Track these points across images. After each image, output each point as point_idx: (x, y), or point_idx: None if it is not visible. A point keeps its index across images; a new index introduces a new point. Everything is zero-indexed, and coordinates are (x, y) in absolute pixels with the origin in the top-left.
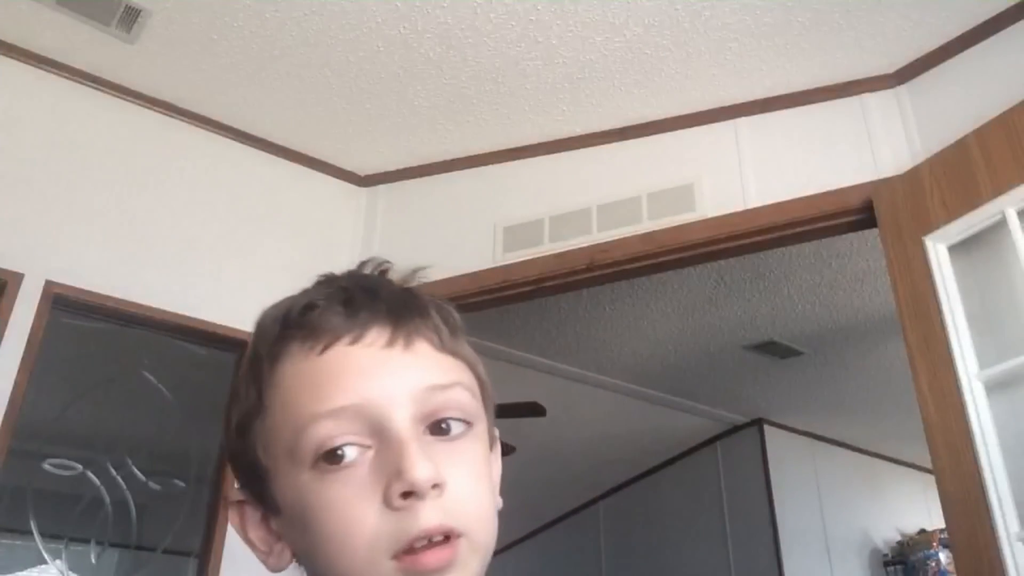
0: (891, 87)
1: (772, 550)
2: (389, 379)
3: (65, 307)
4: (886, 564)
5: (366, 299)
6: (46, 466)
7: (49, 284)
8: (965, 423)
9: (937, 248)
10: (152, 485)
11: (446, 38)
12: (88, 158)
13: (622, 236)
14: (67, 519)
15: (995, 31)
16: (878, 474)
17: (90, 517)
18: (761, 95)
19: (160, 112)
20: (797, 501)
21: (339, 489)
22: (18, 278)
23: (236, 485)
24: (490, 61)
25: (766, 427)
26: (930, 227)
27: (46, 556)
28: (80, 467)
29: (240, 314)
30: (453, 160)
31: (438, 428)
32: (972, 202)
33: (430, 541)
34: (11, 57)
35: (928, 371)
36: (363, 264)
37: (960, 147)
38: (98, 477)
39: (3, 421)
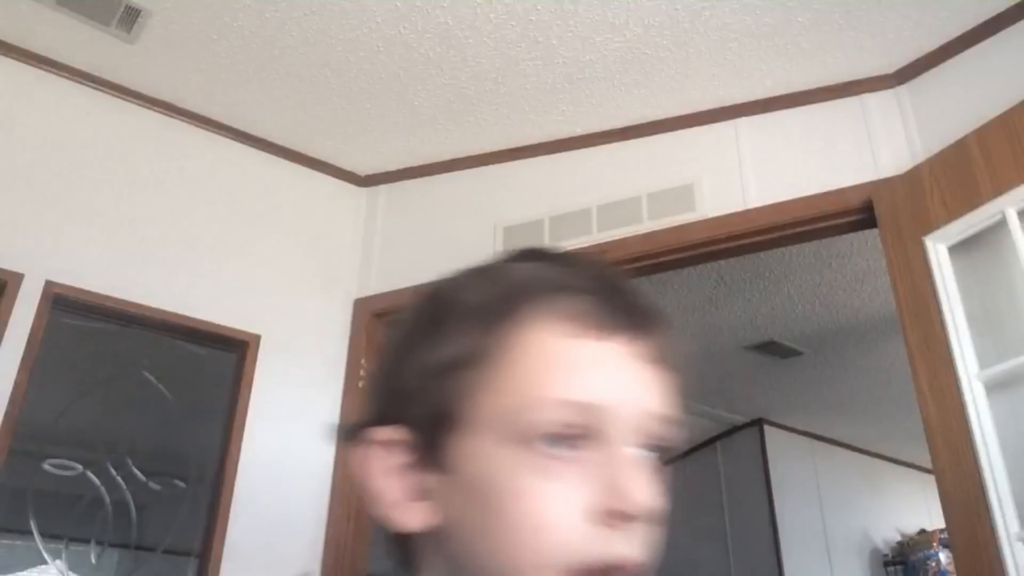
0: (891, 87)
1: (772, 550)
2: (634, 393)
3: (65, 307)
4: (886, 564)
5: (631, 300)
6: (46, 466)
7: (49, 284)
8: (965, 423)
9: (937, 248)
10: (152, 485)
11: (446, 38)
12: (88, 158)
13: (622, 236)
14: (67, 519)
15: (995, 31)
16: (878, 474)
17: (90, 517)
18: (761, 95)
19: (160, 112)
20: (797, 501)
21: (543, 479)
22: (18, 278)
23: (373, 419)
24: (490, 61)
25: (766, 427)
26: (930, 227)
27: (46, 556)
28: (80, 467)
29: (240, 314)
30: (453, 160)
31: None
32: (972, 202)
33: (614, 572)
34: (11, 57)
35: (928, 371)
36: (595, 265)
37: (960, 147)
38: (98, 477)
39: (3, 421)
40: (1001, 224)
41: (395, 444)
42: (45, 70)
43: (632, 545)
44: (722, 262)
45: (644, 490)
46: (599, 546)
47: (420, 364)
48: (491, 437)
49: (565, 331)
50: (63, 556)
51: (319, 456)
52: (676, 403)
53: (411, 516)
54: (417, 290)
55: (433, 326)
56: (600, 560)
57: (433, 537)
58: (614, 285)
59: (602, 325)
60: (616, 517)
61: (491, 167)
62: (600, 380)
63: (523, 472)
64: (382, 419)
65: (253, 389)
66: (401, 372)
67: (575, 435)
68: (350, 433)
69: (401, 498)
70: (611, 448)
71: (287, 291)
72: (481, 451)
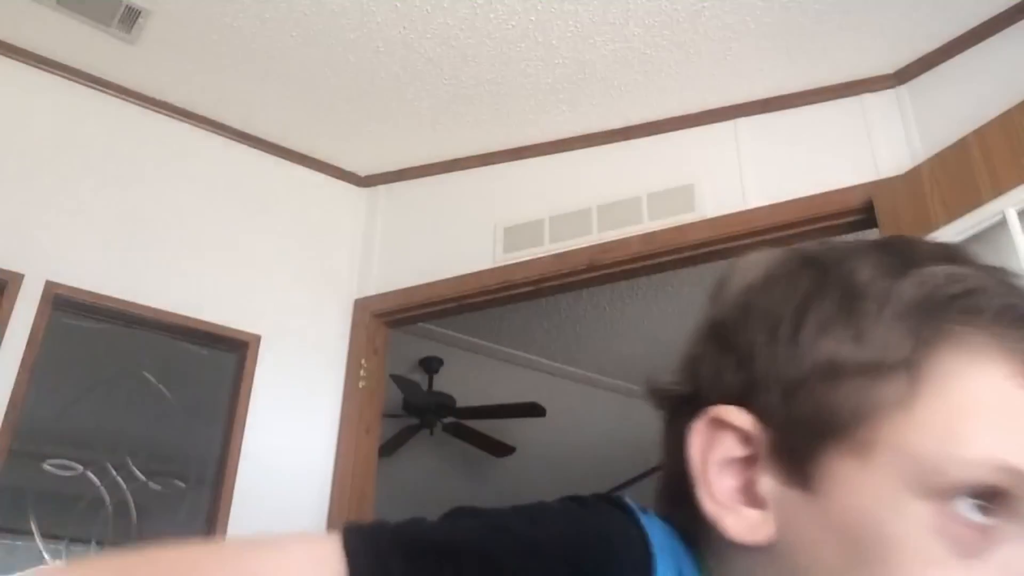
0: (891, 87)
1: None
2: None
3: (65, 307)
4: None
5: None
6: (46, 466)
7: (49, 284)
8: None
9: None
10: (152, 485)
11: (446, 38)
12: (88, 158)
13: (622, 236)
14: (67, 519)
15: (995, 31)
16: None
17: (90, 517)
18: (761, 95)
19: (160, 112)
20: None
21: (951, 555)
22: (18, 278)
23: (713, 394)
24: (490, 61)
25: None
26: (930, 227)
27: (46, 556)
28: (80, 467)
29: (240, 314)
30: (453, 160)
31: None
32: (972, 202)
33: None
34: (11, 57)
35: None
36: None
37: (960, 147)
38: (98, 477)
39: (3, 421)
40: (1001, 224)
41: (740, 434)
42: (45, 70)
43: None
44: (722, 262)
45: None
46: None
47: (813, 351)
48: (895, 477)
49: (1016, 371)
50: (63, 556)
51: (319, 456)
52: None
53: (742, 525)
54: (798, 252)
55: (843, 311)
56: None
57: (765, 555)
58: None
59: None
60: None
61: (491, 167)
62: None
63: (927, 533)
64: (729, 397)
65: (253, 389)
66: (772, 346)
67: (1000, 501)
68: (684, 401)
69: (733, 499)
70: None
71: (287, 291)
72: (875, 490)
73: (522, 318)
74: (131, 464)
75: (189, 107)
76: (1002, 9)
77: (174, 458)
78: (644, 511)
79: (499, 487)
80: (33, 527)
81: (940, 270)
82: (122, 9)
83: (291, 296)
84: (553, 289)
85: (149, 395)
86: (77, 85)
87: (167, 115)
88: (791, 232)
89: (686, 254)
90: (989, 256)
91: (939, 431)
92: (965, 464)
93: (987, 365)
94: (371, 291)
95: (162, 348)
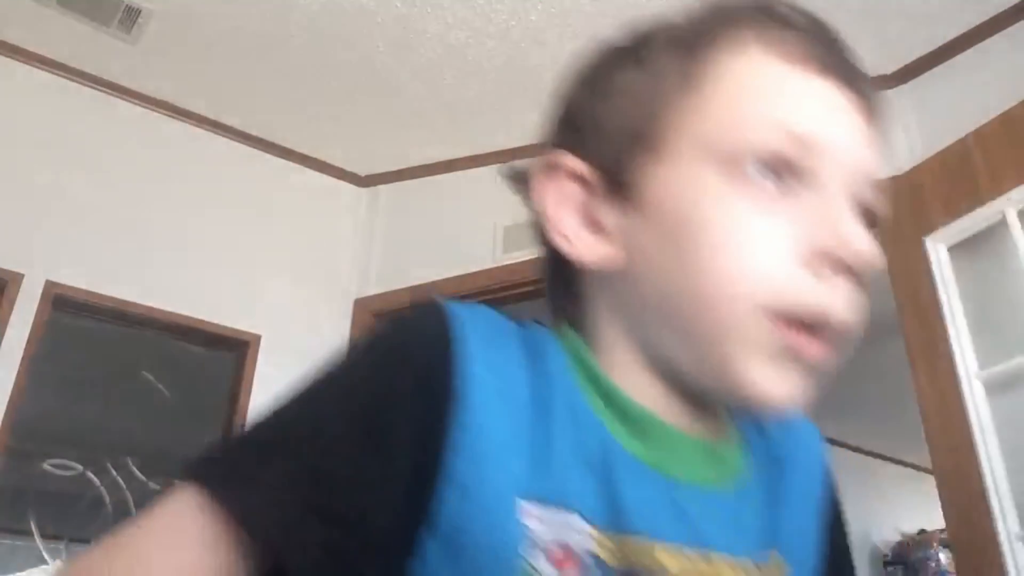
0: (891, 87)
1: None
2: (854, 143)
3: (65, 307)
4: (886, 564)
5: (852, 58)
6: (46, 466)
7: (49, 284)
8: (965, 423)
9: (937, 248)
10: (152, 485)
11: (446, 38)
12: (88, 158)
13: None
14: (67, 519)
15: (995, 31)
16: (878, 474)
17: (90, 517)
18: None
19: (160, 112)
20: None
21: (754, 212)
22: (18, 278)
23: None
24: (490, 61)
25: None
26: (930, 227)
27: (46, 556)
28: (80, 467)
29: (240, 314)
30: (453, 160)
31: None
32: (972, 202)
33: (812, 327)
34: (11, 57)
35: (928, 371)
36: (809, 12)
37: (960, 147)
38: (98, 477)
39: (3, 421)
40: (1001, 224)
41: (575, 177)
42: (45, 70)
43: (844, 301)
44: None
45: (865, 239)
46: (806, 291)
47: (613, 87)
48: (694, 161)
49: (784, 59)
50: (63, 556)
51: None
52: (883, 172)
53: (589, 248)
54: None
55: (629, 53)
56: (804, 307)
57: (607, 279)
58: (829, 28)
59: (823, 62)
60: (831, 263)
61: (491, 167)
62: (821, 115)
63: (730, 197)
64: (564, 149)
65: (253, 389)
66: (588, 98)
67: (787, 171)
68: (524, 168)
69: (579, 230)
70: (826, 192)
71: (287, 291)
72: (680, 177)
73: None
74: (131, 463)
75: (189, 107)
76: (1002, 9)
77: (174, 458)
78: (470, 308)
79: None
80: (33, 527)
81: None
82: (122, 9)
83: (291, 296)
84: None
85: (149, 395)
86: (77, 85)
87: (167, 115)
88: None
89: None
90: (989, 256)
91: (722, 112)
92: (747, 130)
93: (765, 58)
94: (371, 291)
95: (162, 348)
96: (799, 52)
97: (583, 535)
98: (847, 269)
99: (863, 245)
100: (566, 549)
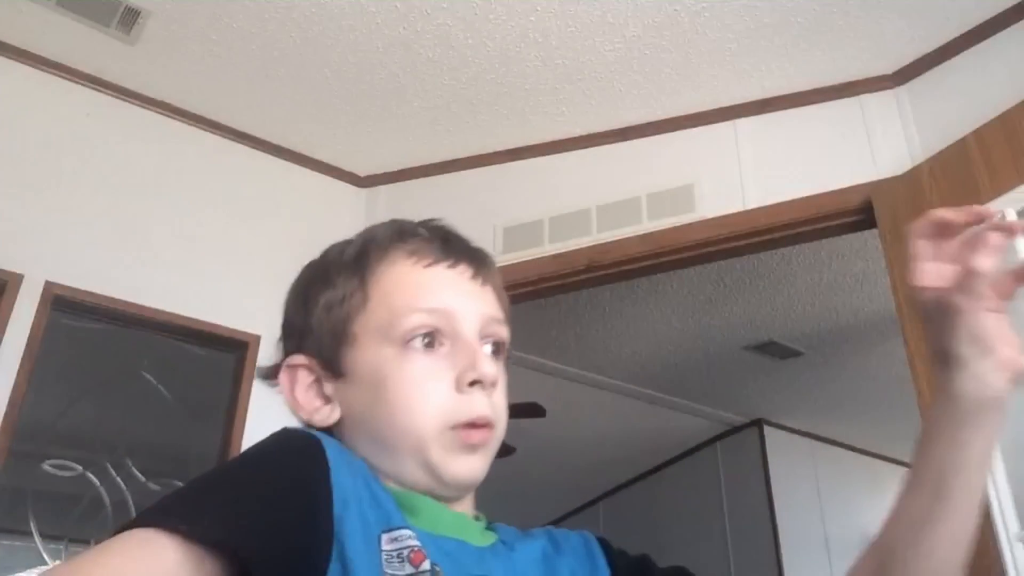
0: (891, 87)
1: (772, 550)
2: (470, 302)
3: (65, 308)
4: None
5: (459, 242)
6: (46, 467)
7: (49, 284)
8: None
9: None
10: (152, 485)
11: (446, 39)
12: (88, 158)
13: (622, 236)
14: (67, 520)
15: (995, 31)
16: (878, 474)
17: (90, 518)
18: (760, 95)
19: (160, 112)
20: (797, 501)
21: (419, 367)
22: (18, 278)
23: (288, 354)
24: (490, 61)
25: (766, 428)
26: None
27: (46, 557)
28: (80, 468)
29: (240, 314)
30: (453, 160)
31: (490, 349)
32: (972, 202)
33: (476, 424)
34: (11, 58)
35: (928, 371)
36: (431, 221)
37: (960, 147)
38: (98, 478)
39: (3, 421)
40: None
41: (305, 368)
42: (45, 70)
43: (484, 404)
44: (721, 263)
45: (489, 365)
46: (468, 407)
47: (317, 305)
48: (377, 345)
49: (421, 263)
50: (63, 557)
51: None
52: (502, 311)
53: (320, 414)
54: (309, 263)
55: (323, 278)
56: (467, 415)
57: (347, 425)
58: (448, 231)
59: (441, 254)
60: (471, 385)
61: (491, 167)
62: (450, 293)
63: (403, 362)
64: (294, 352)
65: (253, 389)
66: (304, 314)
67: (437, 333)
68: (273, 368)
69: (317, 404)
70: (463, 340)
71: (287, 291)
72: (370, 355)
73: (522, 318)
74: (130, 464)
75: (189, 107)
76: (1002, 9)
77: (174, 458)
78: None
79: (500, 487)
80: (33, 527)
81: (374, 228)
82: (122, 9)
83: None
84: (552, 289)
85: (149, 395)
86: (77, 85)
87: (167, 115)
88: (790, 232)
89: (685, 254)
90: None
91: (383, 309)
92: (402, 317)
93: (401, 266)
94: None
95: (162, 348)
96: (424, 253)
97: (413, 538)
98: (481, 384)
99: (488, 369)
100: (414, 550)
